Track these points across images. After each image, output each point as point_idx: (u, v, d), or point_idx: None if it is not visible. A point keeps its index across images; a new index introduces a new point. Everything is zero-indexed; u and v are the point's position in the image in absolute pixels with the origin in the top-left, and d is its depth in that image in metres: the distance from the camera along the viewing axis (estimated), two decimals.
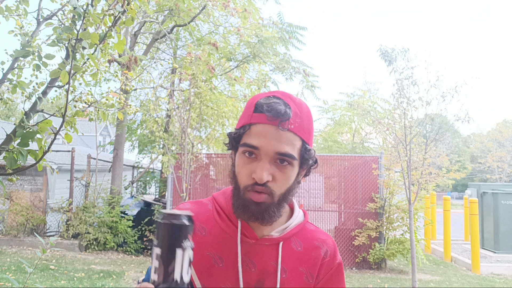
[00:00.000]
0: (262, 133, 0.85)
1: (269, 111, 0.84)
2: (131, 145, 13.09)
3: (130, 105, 4.84)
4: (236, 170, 0.89)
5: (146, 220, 8.54)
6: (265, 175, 0.83)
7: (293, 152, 0.86)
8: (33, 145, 1.86)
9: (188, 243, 0.71)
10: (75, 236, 8.62)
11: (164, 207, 8.52)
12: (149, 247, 8.34)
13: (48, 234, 9.13)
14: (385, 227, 7.51)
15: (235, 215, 0.91)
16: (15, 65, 2.33)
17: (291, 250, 0.94)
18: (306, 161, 0.91)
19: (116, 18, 1.98)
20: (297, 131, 0.87)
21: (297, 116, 0.86)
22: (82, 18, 1.79)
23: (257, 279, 0.89)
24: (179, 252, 0.69)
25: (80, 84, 2.78)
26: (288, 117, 0.84)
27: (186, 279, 0.70)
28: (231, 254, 0.89)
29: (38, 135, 1.84)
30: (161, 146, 9.12)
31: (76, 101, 2.68)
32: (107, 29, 1.99)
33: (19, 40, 2.31)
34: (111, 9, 1.97)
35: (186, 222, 0.71)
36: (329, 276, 0.97)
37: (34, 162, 1.84)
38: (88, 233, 8.34)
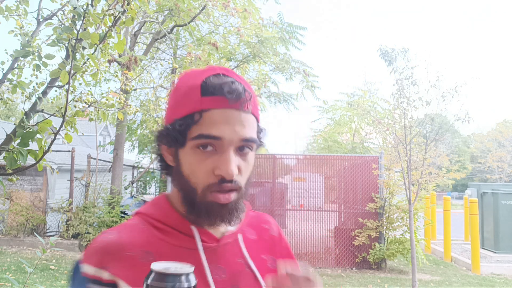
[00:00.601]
0: (221, 120, 0.71)
1: (230, 93, 0.71)
2: (131, 145, 13.11)
3: (130, 105, 4.84)
4: (187, 170, 0.73)
5: None
6: (234, 168, 0.71)
7: (255, 136, 0.76)
8: (33, 145, 1.86)
9: None
10: (75, 236, 8.62)
11: None
12: None
13: (48, 234, 9.14)
14: (385, 227, 7.51)
15: (192, 223, 0.76)
16: (15, 65, 2.33)
17: (248, 240, 0.84)
18: (261, 143, 0.81)
19: (116, 18, 1.98)
20: (255, 111, 0.77)
21: (251, 94, 0.75)
22: (82, 18, 1.79)
23: (231, 285, 0.76)
24: None
25: (80, 84, 2.78)
26: (250, 96, 0.73)
27: None
28: (195, 270, 0.69)
29: (38, 135, 1.84)
30: None
31: (76, 101, 2.69)
32: (107, 29, 1.99)
33: (19, 40, 2.31)
34: (111, 9, 1.97)
35: (192, 282, 0.57)
36: (285, 255, 0.91)
37: (34, 162, 1.84)
38: (88, 233, 8.34)
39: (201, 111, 0.71)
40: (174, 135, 0.73)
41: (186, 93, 0.74)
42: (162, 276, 0.56)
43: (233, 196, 0.73)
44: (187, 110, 0.72)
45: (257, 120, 0.78)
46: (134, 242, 0.72)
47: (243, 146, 0.73)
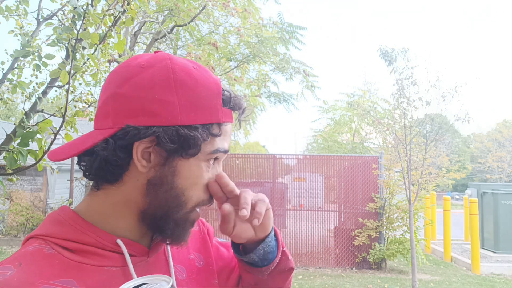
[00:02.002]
0: (228, 134, 0.68)
1: (239, 108, 0.68)
2: None
3: None
4: (186, 182, 0.63)
5: None
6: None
7: None
8: (33, 145, 1.86)
9: None
10: None
11: None
12: None
13: None
14: (385, 227, 7.51)
15: (118, 237, 0.64)
16: (15, 65, 2.33)
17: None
18: None
19: (116, 18, 1.98)
20: None
21: None
22: (82, 18, 1.79)
23: None
24: None
25: (80, 84, 2.78)
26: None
27: None
28: None
29: (38, 135, 1.84)
30: None
31: (76, 101, 2.69)
32: (107, 29, 1.99)
33: (19, 40, 2.31)
34: (111, 9, 1.97)
35: None
36: (215, 246, 0.87)
37: (34, 162, 1.84)
38: None
39: (220, 124, 0.65)
40: (193, 143, 0.61)
41: (204, 96, 0.63)
42: None
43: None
44: (207, 118, 0.63)
45: None
46: (44, 273, 0.55)
47: None
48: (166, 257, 0.72)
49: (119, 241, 0.62)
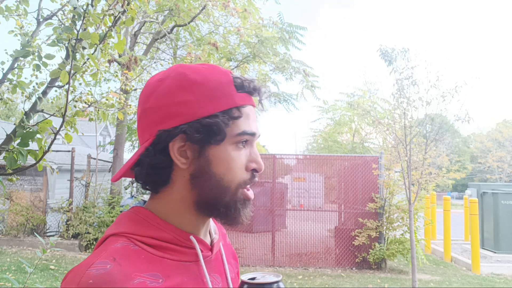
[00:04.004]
0: (253, 117, 0.72)
1: (257, 90, 0.73)
2: (131, 145, 13.09)
3: (130, 105, 4.83)
4: (223, 167, 0.69)
5: None
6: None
7: None
8: (33, 145, 1.86)
9: None
10: (75, 236, 8.63)
11: None
12: None
13: (48, 234, 9.13)
14: (385, 227, 7.51)
15: (189, 232, 0.71)
16: (15, 65, 2.33)
17: (224, 245, 0.84)
18: None
19: (116, 18, 1.98)
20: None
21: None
22: (82, 18, 1.79)
23: None
24: None
25: (80, 84, 2.78)
26: (268, 95, 0.76)
27: None
28: (199, 282, 0.69)
29: (38, 135, 1.84)
30: None
31: (76, 101, 2.68)
32: (107, 29, 1.99)
33: (19, 40, 2.31)
34: (111, 9, 1.97)
35: None
36: (235, 258, 0.92)
37: (34, 162, 1.84)
38: (88, 233, 8.34)
39: (240, 107, 0.70)
40: (217, 129, 0.67)
41: (217, 87, 0.70)
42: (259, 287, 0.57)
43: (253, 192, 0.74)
44: (224, 105, 0.69)
45: None
46: (136, 267, 0.63)
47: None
48: (222, 257, 0.79)
49: (192, 238, 0.70)
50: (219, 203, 0.69)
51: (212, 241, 0.77)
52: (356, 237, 7.49)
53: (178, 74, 0.71)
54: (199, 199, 0.70)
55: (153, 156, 0.68)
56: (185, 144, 0.68)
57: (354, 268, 7.66)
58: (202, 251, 0.71)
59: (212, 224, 0.81)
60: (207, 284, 0.69)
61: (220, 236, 0.83)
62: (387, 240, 7.63)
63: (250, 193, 0.72)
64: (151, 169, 0.69)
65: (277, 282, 0.58)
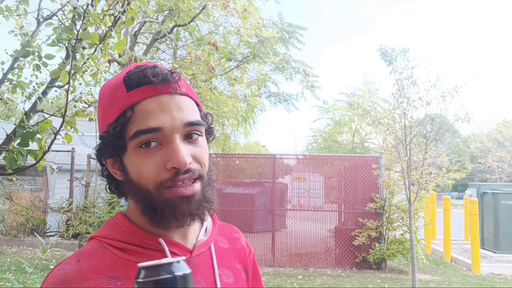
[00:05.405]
0: (156, 109, 0.65)
1: (155, 76, 0.65)
2: None
3: None
4: (135, 173, 0.66)
5: None
6: (185, 156, 0.64)
7: (200, 118, 0.69)
8: (33, 145, 1.86)
9: None
10: (75, 236, 8.63)
11: None
12: None
13: (48, 234, 9.14)
14: (385, 227, 7.51)
15: (159, 235, 0.70)
16: (15, 65, 2.33)
17: (221, 249, 0.79)
18: (209, 129, 0.75)
19: (116, 18, 1.98)
20: (190, 93, 0.70)
21: (180, 76, 0.68)
22: (82, 18, 1.79)
23: None
24: None
25: (80, 84, 2.78)
26: (179, 77, 0.67)
27: None
28: None
29: (38, 135, 1.84)
30: None
31: (76, 101, 2.69)
32: (107, 29, 1.99)
33: (19, 40, 2.31)
34: (111, 9, 1.97)
35: (187, 269, 0.54)
36: (253, 266, 0.87)
37: (34, 162, 1.83)
38: (88, 233, 8.34)
39: (132, 106, 0.65)
40: (112, 141, 0.66)
41: (110, 95, 0.67)
42: (155, 269, 0.52)
43: (197, 186, 0.66)
44: (117, 111, 0.66)
45: (198, 104, 0.72)
46: (96, 268, 0.64)
47: (190, 132, 0.67)
48: (212, 261, 0.75)
49: (161, 240, 0.69)
50: (151, 205, 0.67)
51: (196, 243, 0.74)
52: (356, 237, 7.49)
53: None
54: (136, 204, 0.70)
55: (104, 170, 0.74)
56: (114, 158, 0.70)
57: (354, 268, 7.66)
58: (177, 254, 0.69)
59: (209, 227, 0.79)
60: None
61: (224, 239, 0.82)
62: (387, 240, 7.63)
63: (185, 189, 0.65)
64: (107, 181, 0.74)
65: (178, 261, 0.53)
